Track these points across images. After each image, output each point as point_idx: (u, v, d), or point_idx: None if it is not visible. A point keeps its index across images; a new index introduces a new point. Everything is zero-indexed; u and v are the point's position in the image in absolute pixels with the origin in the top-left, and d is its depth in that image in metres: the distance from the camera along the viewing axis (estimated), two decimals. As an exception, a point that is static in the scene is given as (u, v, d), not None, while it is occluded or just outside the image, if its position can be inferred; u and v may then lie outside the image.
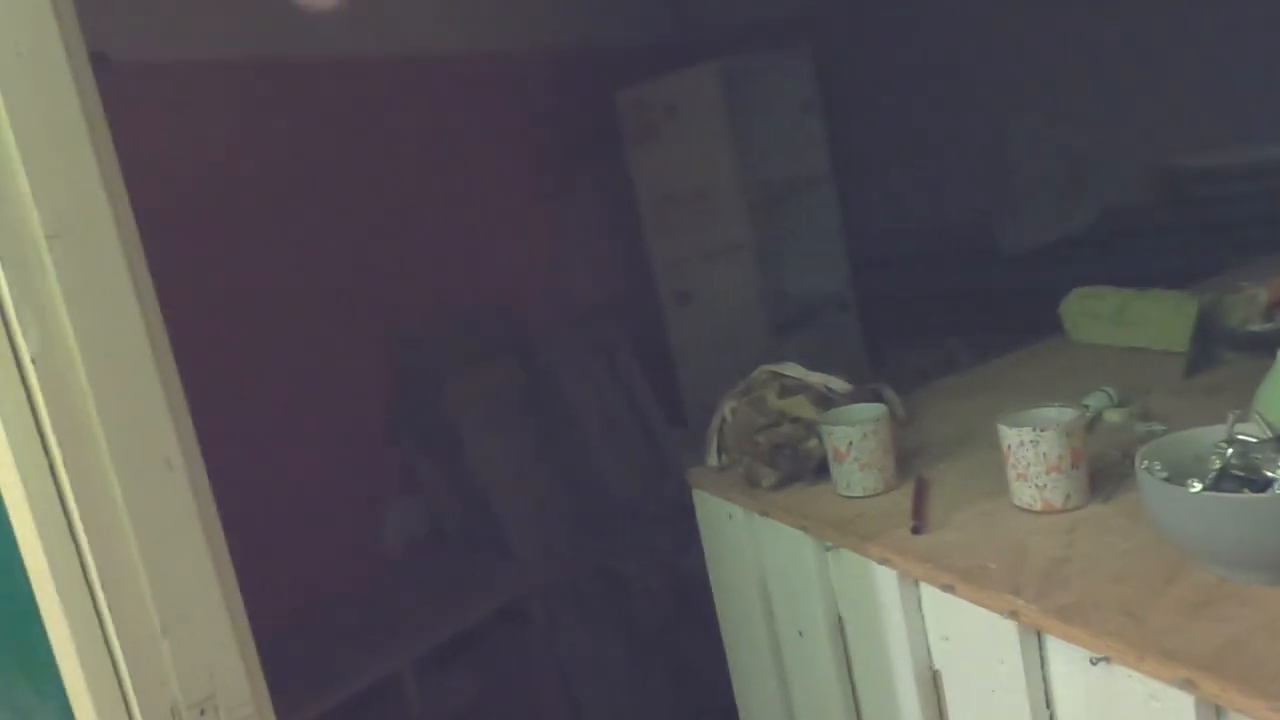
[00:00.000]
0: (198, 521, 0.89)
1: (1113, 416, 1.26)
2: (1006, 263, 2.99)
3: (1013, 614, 0.88)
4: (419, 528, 2.64)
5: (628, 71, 2.98)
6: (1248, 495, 0.79)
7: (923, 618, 1.04)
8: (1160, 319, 1.45)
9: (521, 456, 2.68)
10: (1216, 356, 1.37)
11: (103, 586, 0.82)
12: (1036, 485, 1.02)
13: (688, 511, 1.44)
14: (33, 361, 0.79)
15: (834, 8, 3.18)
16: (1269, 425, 0.85)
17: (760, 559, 1.29)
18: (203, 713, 0.88)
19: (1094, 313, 1.57)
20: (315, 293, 2.39)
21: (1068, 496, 1.01)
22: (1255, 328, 1.36)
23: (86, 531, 0.81)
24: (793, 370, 1.34)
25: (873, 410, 1.20)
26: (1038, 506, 1.03)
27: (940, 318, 3.11)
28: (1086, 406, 1.26)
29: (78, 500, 0.80)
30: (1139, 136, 2.77)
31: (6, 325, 0.78)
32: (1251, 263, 1.87)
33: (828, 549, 1.15)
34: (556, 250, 2.99)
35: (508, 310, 2.82)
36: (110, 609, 0.82)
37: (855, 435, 1.16)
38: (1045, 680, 0.90)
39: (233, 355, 2.20)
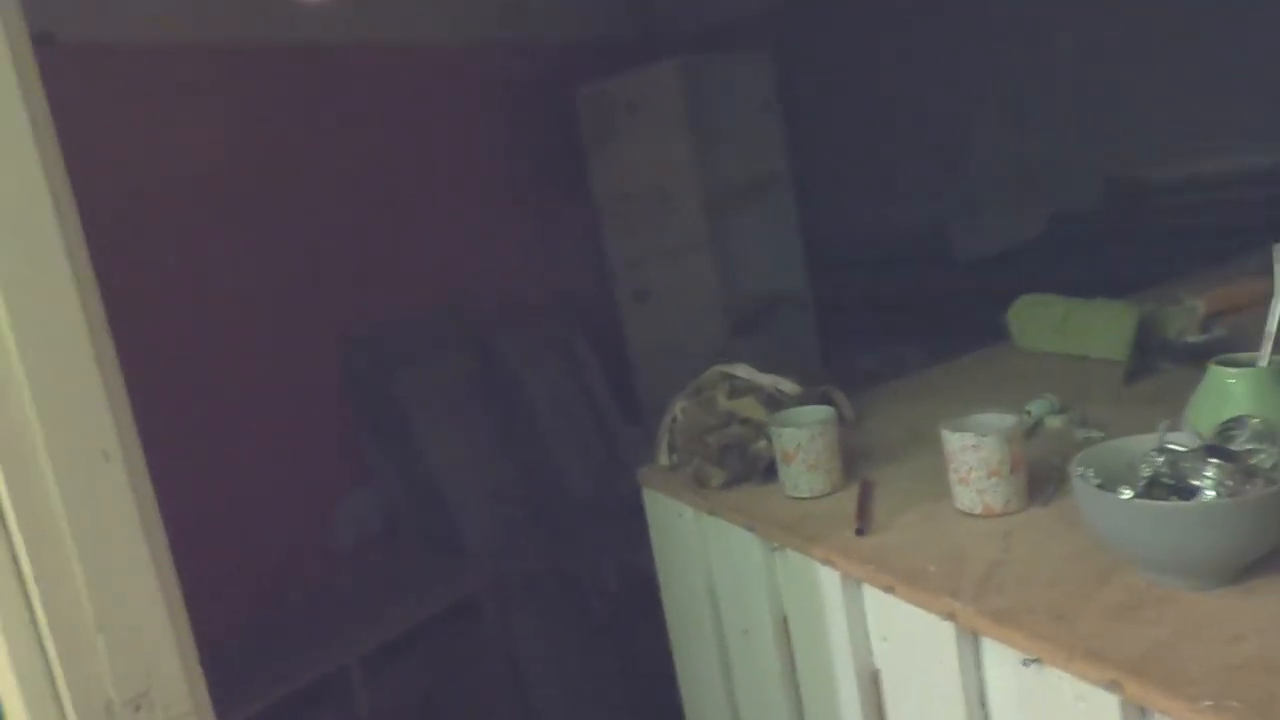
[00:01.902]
0: (136, 515, 0.88)
1: (1054, 423, 1.29)
2: (959, 267, 3.04)
3: (950, 616, 0.90)
4: (371, 522, 2.62)
5: (588, 68, 2.98)
6: (1175, 503, 0.81)
7: (864, 618, 1.05)
8: (1102, 328, 1.48)
9: (476, 451, 2.67)
10: (1155, 366, 1.41)
11: (36, 580, 0.81)
12: (977, 490, 1.04)
13: (641, 509, 1.45)
14: (-35, 349, 0.77)
15: (794, 11, 3.20)
16: (1198, 435, 0.88)
17: (708, 558, 1.30)
18: (138, 709, 0.87)
19: (1039, 320, 1.60)
20: (269, 285, 2.36)
21: (1007, 501, 1.04)
22: (1191, 339, 1.40)
23: (19, 524, 0.80)
24: (743, 371, 1.35)
25: (820, 413, 1.22)
26: (978, 510, 1.05)
27: (894, 319, 3.15)
28: (1028, 413, 1.29)
29: (10, 491, 0.79)
30: (1090, 147, 2.83)
31: (-62, 312, 0.77)
32: (1192, 274, 1.92)
33: (774, 549, 1.17)
34: (514, 245, 2.98)
35: (464, 305, 2.81)
36: (44, 604, 0.81)
37: (803, 437, 1.17)
38: (980, 681, 0.92)
39: (183, 348, 2.17)
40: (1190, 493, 0.82)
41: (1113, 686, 0.75)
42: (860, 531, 1.07)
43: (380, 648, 2.21)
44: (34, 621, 0.82)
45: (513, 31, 3.01)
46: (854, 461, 1.27)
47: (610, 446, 2.93)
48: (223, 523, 2.16)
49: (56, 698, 0.83)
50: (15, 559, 0.81)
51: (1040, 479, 1.10)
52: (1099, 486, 0.85)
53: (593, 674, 2.52)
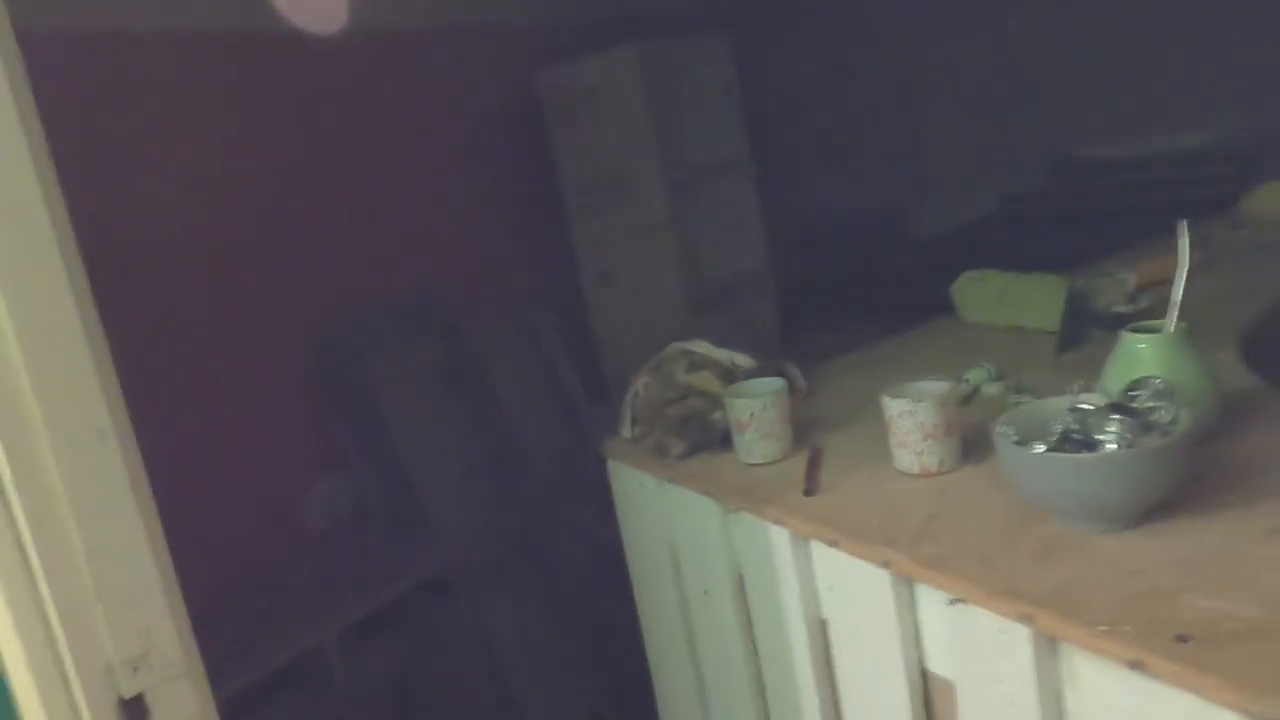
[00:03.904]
0: (130, 490, 0.93)
1: (991, 389, 1.38)
2: (915, 246, 3.14)
3: (886, 564, 0.99)
4: (343, 503, 2.67)
5: (549, 52, 3.02)
6: (1081, 454, 0.90)
7: (812, 572, 1.14)
8: (1036, 300, 1.58)
9: (445, 432, 2.73)
10: (1086, 335, 1.50)
11: (38, 553, 0.86)
12: (915, 451, 1.13)
13: (608, 486, 1.52)
14: (-34, 336, 0.82)
15: (753, -3, 3.27)
16: (1107, 395, 0.97)
17: (669, 524, 1.38)
18: (136, 670, 0.92)
19: (980, 294, 1.69)
20: (239, 269, 2.39)
21: (941, 461, 1.12)
22: (1119, 309, 1.49)
23: (21, 501, 0.85)
24: (701, 347, 1.43)
25: (772, 384, 1.30)
26: (915, 470, 1.13)
27: (852, 297, 3.25)
28: (967, 380, 1.38)
29: (12, 470, 0.84)
30: (1037, 128, 2.93)
31: (-61, 302, 0.81)
32: (1129, 249, 2.02)
33: (730, 512, 1.25)
34: (480, 230, 3.03)
35: (432, 288, 2.86)
36: (45, 574, 0.86)
37: (756, 407, 1.25)
38: (915, 621, 1.00)
39: (154, 331, 2.20)
40: (1096, 446, 0.91)
41: (1025, 619, 0.84)
42: (809, 492, 1.15)
43: (354, 626, 2.26)
44: (36, 591, 0.87)
45: (474, 15, 3.05)
46: (805, 429, 1.36)
47: (577, 426, 3.00)
48: (192, 507, 2.20)
49: (59, 662, 0.89)
50: (18, 533, 0.86)
51: (975, 441, 1.19)
52: (1016, 443, 0.94)
53: (565, 648, 2.60)
